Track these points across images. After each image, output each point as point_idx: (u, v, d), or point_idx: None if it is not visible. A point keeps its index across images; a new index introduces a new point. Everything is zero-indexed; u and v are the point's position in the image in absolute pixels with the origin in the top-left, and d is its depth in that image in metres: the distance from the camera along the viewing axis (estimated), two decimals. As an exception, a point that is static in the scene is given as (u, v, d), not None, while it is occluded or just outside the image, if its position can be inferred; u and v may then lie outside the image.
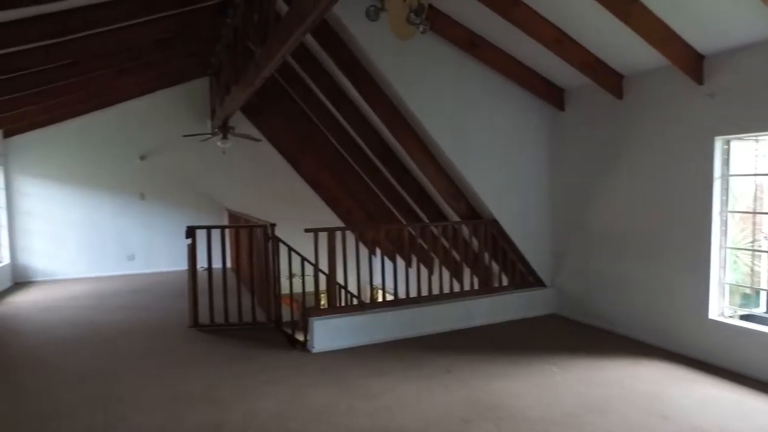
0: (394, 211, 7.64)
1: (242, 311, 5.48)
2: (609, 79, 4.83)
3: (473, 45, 5.08)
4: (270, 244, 5.41)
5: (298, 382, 4.03)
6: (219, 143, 7.22)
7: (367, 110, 5.88)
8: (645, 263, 4.82)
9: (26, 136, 8.29)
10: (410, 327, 5.19)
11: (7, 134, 8.13)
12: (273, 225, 5.44)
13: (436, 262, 6.51)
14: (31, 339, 5.27)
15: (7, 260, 8.04)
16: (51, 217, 8.52)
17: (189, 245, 5.27)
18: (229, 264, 7.02)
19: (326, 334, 4.78)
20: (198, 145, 9.13)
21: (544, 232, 5.96)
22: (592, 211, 5.42)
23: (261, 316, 5.60)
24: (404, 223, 7.35)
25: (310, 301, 6.30)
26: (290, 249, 5.49)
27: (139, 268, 9.03)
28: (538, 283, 6.05)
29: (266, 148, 9.59)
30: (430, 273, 5.96)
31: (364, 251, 8.84)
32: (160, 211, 9.17)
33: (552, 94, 5.58)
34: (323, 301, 6.10)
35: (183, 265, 9.26)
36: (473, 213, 5.95)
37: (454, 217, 6.53)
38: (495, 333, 5.37)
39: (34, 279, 8.38)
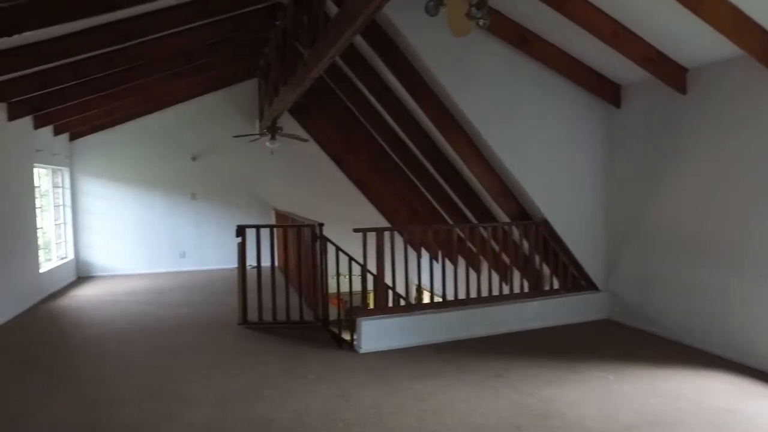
0: (440, 210, 7.55)
1: (290, 310, 5.54)
2: (671, 73, 4.58)
3: (524, 41, 4.94)
4: (318, 244, 5.44)
5: (346, 381, 4.02)
6: (268, 144, 7.36)
7: (414, 108, 5.83)
8: (718, 270, 4.48)
9: (89, 139, 8.71)
10: (458, 329, 5.10)
11: (73, 137, 8.57)
12: (321, 225, 5.48)
13: (484, 263, 6.38)
14: (92, 331, 5.52)
15: (71, 256, 8.47)
16: (109, 216, 8.93)
17: (239, 244, 5.36)
18: (276, 263, 7.17)
19: (374, 334, 4.76)
20: (246, 146, 9.34)
21: (598, 233, 5.72)
22: (653, 213, 5.15)
23: (308, 316, 5.65)
24: (451, 222, 7.25)
25: (356, 301, 6.30)
26: (338, 249, 5.51)
27: (190, 265, 9.33)
28: (591, 286, 5.82)
29: (312, 148, 9.71)
30: (478, 274, 5.84)
31: (409, 251, 8.85)
32: (210, 210, 9.44)
33: (607, 90, 5.35)
34: (370, 302, 6.09)
35: (231, 263, 9.56)
36: (523, 213, 5.78)
37: (503, 217, 6.38)
38: (545, 337, 5.20)
39: (94, 274, 8.80)
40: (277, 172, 9.65)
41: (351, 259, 5.60)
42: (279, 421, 3.36)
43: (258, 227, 5.53)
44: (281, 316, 5.53)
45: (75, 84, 6.10)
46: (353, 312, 4.95)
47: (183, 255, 9.33)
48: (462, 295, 5.26)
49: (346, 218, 7.00)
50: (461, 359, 4.53)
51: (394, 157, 7.10)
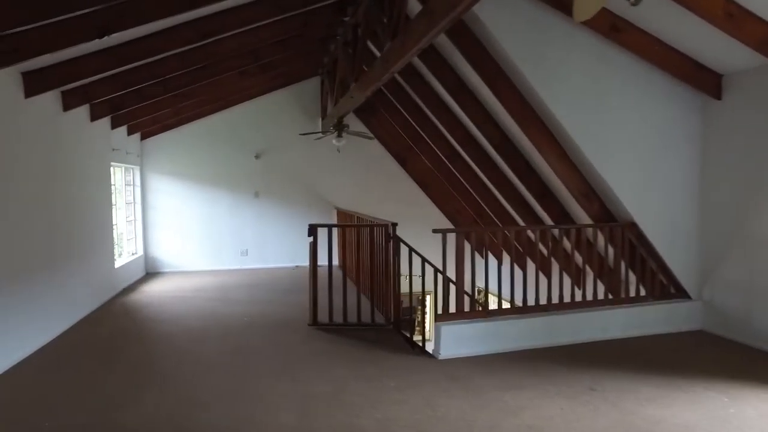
0: (510, 211, 7.23)
1: (360, 311, 5.42)
2: (790, 60, 4.13)
3: (615, 30, 4.58)
4: (391, 244, 5.29)
5: (429, 390, 3.83)
6: (334, 141, 7.28)
7: (491, 104, 5.58)
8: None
9: (158, 138, 8.93)
10: (539, 336, 4.83)
11: (143, 137, 8.81)
12: (394, 225, 5.32)
13: (555, 266, 6.06)
14: (166, 328, 5.58)
15: (140, 252, 8.72)
16: (176, 213, 9.12)
17: (311, 243, 5.27)
18: (337, 262, 7.05)
19: (453, 340, 4.56)
20: (309, 145, 9.34)
21: (691, 237, 5.28)
22: (762, 216, 4.68)
23: (378, 317, 5.51)
24: (523, 224, 6.94)
25: (414, 303, 6.12)
26: (411, 249, 5.33)
27: (252, 263, 9.41)
28: (682, 294, 5.39)
29: (374, 147, 9.59)
30: (549, 279, 5.51)
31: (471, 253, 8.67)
32: (271, 208, 9.49)
33: (707, 81, 4.91)
34: (434, 304, 5.88)
35: (291, 261, 9.63)
36: (607, 215, 5.42)
37: (581, 219, 6.03)
38: (634, 348, 4.83)
39: (161, 270, 9.02)
40: (339, 170, 9.60)
41: (424, 260, 5.40)
42: (363, 431, 3.21)
43: (330, 226, 5.43)
44: (351, 317, 5.42)
45: (152, 84, 6.22)
46: (408, 313, 4.76)
47: (245, 253, 9.42)
48: (535, 301, 4.96)
49: (408, 218, 6.81)
50: (547, 369, 4.25)
51: (464, 155, 6.85)
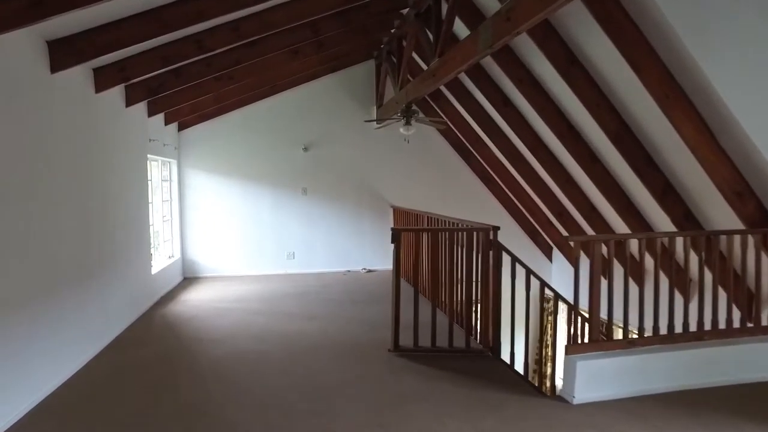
0: (613, 212, 6.09)
1: (453, 335, 4.42)
2: None
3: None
4: (491, 254, 4.27)
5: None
6: (402, 130, 6.28)
7: (613, 81, 4.51)
8: None
9: (196, 129, 8.07)
10: (695, 373, 3.75)
11: (181, 127, 7.97)
12: (496, 228, 4.30)
13: (692, 284, 4.94)
14: (213, 350, 4.66)
15: (178, 255, 7.88)
16: (215, 212, 8.25)
17: (394, 251, 4.27)
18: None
19: (589, 378, 3.53)
20: (363, 136, 8.41)
21: None
22: None
23: (463, 339, 4.51)
24: (629, 231, 5.84)
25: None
26: (514, 259, 4.29)
27: (297, 267, 8.49)
28: None
29: (435, 138, 8.60)
30: (686, 300, 4.40)
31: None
32: (320, 207, 8.54)
33: None
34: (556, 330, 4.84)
35: (342, 266, 8.68)
36: (764, 217, 4.30)
37: (713, 222, 4.92)
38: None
39: (200, 275, 8.17)
40: (395, 164, 8.63)
41: (530, 272, 4.36)
42: None
43: (417, 231, 4.43)
44: (441, 341, 4.42)
45: (195, 62, 5.33)
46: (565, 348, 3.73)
47: (291, 256, 8.51)
48: (664, 327, 3.89)
49: (474, 219, 5.78)
50: (723, 422, 3.19)
51: (562, 145, 5.76)
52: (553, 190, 7.22)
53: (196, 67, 5.47)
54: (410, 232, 4.35)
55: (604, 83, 4.71)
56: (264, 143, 8.33)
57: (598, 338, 3.64)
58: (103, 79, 4.54)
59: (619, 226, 6.30)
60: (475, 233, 4.40)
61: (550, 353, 7.69)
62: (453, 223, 5.23)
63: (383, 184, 8.67)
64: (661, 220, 5.51)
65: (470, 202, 8.65)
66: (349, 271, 8.49)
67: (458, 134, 8.13)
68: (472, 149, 8.17)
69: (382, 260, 8.46)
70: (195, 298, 6.73)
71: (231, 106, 7.94)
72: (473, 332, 4.61)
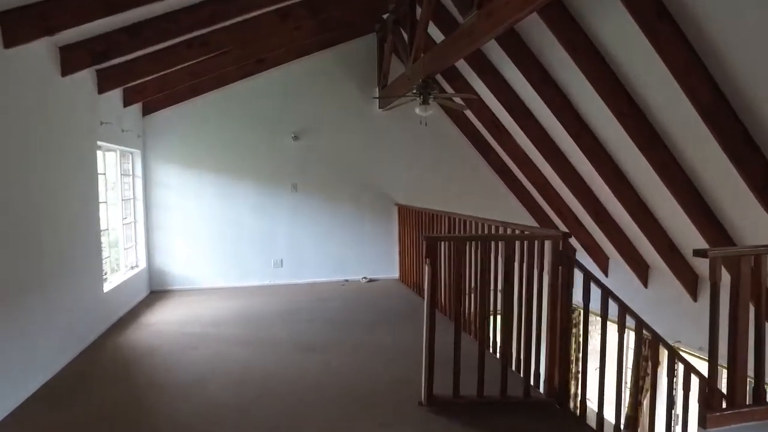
0: (682, 219, 4.97)
1: (507, 380, 3.22)
2: None
3: None
4: (561, 270, 3.09)
5: None
6: (418, 111, 5.08)
7: (716, 41, 3.37)
8: None
9: (165, 113, 6.76)
10: None
11: (147, 110, 6.65)
12: (566, 235, 3.12)
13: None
14: (176, 404, 3.40)
15: (143, 264, 6.56)
16: (189, 212, 6.95)
17: (429, 271, 3.03)
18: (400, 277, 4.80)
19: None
20: (363, 123, 7.26)
21: None
22: None
23: (519, 385, 3.32)
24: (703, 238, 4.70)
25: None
26: (588, 275, 3.12)
27: (286, 277, 7.23)
28: None
29: (447, 128, 7.42)
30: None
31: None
32: (312, 205, 7.29)
33: None
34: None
35: (340, 275, 7.44)
36: None
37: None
38: None
39: (170, 287, 6.86)
40: (400, 157, 7.43)
41: (608, 294, 3.18)
42: None
43: (463, 240, 3.22)
44: (492, 389, 3.22)
45: (154, 17, 4.07)
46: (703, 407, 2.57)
47: (279, 264, 7.24)
48: None
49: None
50: None
51: (617, 128, 4.61)
52: (594, 187, 6.08)
53: (158, 23, 4.20)
54: (450, 241, 3.16)
55: (700, 41, 3.55)
56: (247, 131, 7.05)
57: (744, 403, 2.48)
58: (15, 29, 3.23)
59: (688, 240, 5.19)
60: (537, 242, 3.21)
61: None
62: (493, 228, 4.03)
63: (386, 179, 7.45)
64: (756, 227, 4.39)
65: (488, 201, 7.47)
66: (347, 281, 7.26)
67: (477, 121, 6.94)
68: (492, 138, 6.98)
69: (385, 268, 7.27)
70: (161, 321, 5.43)
71: (208, 84, 6.64)
72: (532, 375, 3.42)
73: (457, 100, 5.71)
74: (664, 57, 3.64)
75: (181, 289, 6.84)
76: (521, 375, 3.40)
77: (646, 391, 6.58)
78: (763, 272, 2.29)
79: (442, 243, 3.31)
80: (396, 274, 7.30)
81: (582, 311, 3.11)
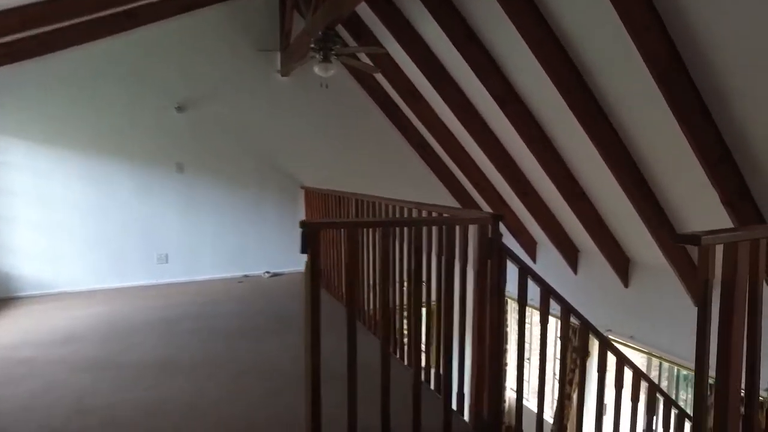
0: (598, 188, 4.45)
1: (422, 405, 2.43)
2: None
3: None
4: (491, 263, 2.34)
5: None
6: (317, 70, 4.16)
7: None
8: None
9: (9, 72, 5.34)
10: None
11: (-23, 68, 5.22)
12: (497, 218, 2.36)
13: None
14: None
15: (-25, 266, 5.19)
16: (46, 198, 5.61)
17: (307, 263, 2.14)
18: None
19: None
20: (263, 92, 6.20)
21: None
22: None
23: (437, 410, 2.56)
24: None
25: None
26: (525, 270, 2.40)
27: (173, 275, 6.10)
28: None
29: (359, 99, 6.54)
30: None
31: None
32: (204, 189, 6.19)
33: None
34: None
35: (235, 271, 6.41)
36: None
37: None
38: None
39: (20, 293, 5.51)
40: (307, 132, 6.46)
41: (549, 293, 2.47)
42: None
43: (361, 225, 2.36)
44: (399, 414, 2.42)
45: None
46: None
47: (164, 259, 6.08)
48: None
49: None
50: None
51: (555, 97, 3.95)
52: (522, 164, 5.48)
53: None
54: (338, 228, 2.35)
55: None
56: (119, 99, 5.78)
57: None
58: None
59: (622, 222, 4.68)
60: (458, 227, 2.42)
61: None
62: (405, 211, 3.21)
63: (291, 157, 6.48)
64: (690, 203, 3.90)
65: (406, 181, 6.75)
66: (246, 276, 6.25)
67: (391, 89, 6.11)
68: (409, 109, 6.19)
69: (291, 260, 6.31)
70: (-10, 341, 4.17)
71: (64, 38, 5.31)
72: (455, 398, 2.67)
73: (364, 57, 4.83)
74: (620, 9, 2.96)
75: (33, 295, 5.51)
76: (440, 395, 2.64)
77: (576, 384, 6.19)
78: (761, 262, 1.64)
79: (331, 231, 2.46)
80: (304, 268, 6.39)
81: (518, 306, 2.41)
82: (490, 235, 2.31)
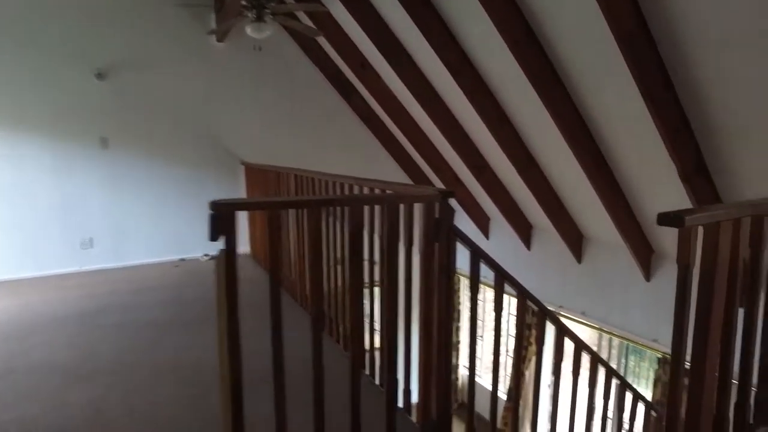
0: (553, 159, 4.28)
1: (361, 402, 2.15)
2: None
3: None
4: (437, 248, 2.06)
5: None
6: (249, 31, 3.71)
7: None
8: None
9: None
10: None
11: None
12: (447, 195, 2.07)
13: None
14: None
15: None
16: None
17: (220, 253, 1.76)
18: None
19: None
20: (198, 58, 5.63)
21: None
22: None
23: (380, 408, 2.30)
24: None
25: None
26: (477, 253, 2.14)
27: (99, 260, 5.55)
28: None
29: (303, 67, 6.07)
30: None
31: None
32: (134, 166, 5.62)
33: None
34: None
35: (170, 254, 5.92)
36: None
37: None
38: None
39: None
40: (248, 102, 5.95)
41: (504, 278, 2.22)
42: None
43: (284, 206, 2.00)
44: (338, 419, 2.14)
45: None
46: None
47: (88, 243, 5.52)
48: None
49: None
50: None
51: (510, 62, 3.66)
52: (475, 136, 5.23)
53: None
54: (256, 209, 2.01)
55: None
56: (30, 65, 5.10)
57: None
58: None
59: (577, 197, 4.52)
60: (402, 206, 2.12)
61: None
62: (346, 187, 2.87)
63: (231, 131, 5.99)
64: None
65: (356, 156, 6.39)
66: (183, 260, 5.79)
67: (339, 59, 5.67)
68: (358, 80, 5.80)
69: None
70: None
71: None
72: (401, 395, 2.41)
73: (303, 17, 4.40)
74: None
75: (-67, 286, 4.87)
76: (383, 388, 2.37)
77: (529, 360, 6.15)
78: (742, 242, 1.42)
79: (253, 213, 2.10)
80: (246, 248, 5.97)
81: (470, 291, 2.16)
82: (437, 215, 2.02)
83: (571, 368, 2.84)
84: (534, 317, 2.88)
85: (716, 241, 1.35)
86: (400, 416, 2.28)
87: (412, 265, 2.19)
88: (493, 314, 2.32)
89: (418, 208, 2.10)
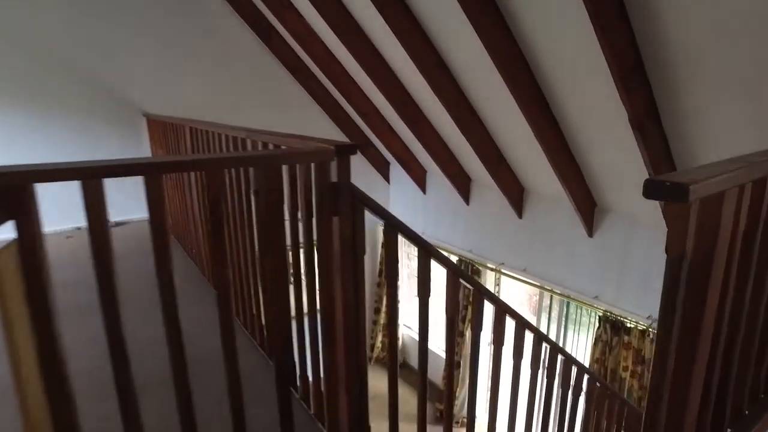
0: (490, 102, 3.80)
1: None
2: None
3: None
4: (337, 220, 1.57)
5: None
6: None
7: None
8: None
9: None
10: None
11: None
12: (348, 150, 1.56)
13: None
14: None
15: None
16: None
17: (9, 245, 1.19)
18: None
19: None
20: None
21: None
22: None
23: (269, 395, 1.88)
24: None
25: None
26: (392, 225, 1.68)
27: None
28: None
29: (215, 5, 5.23)
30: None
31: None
32: (15, 120, 4.73)
33: None
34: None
35: (63, 223, 5.05)
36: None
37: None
38: None
39: None
40: (151, 43, 5.07)
41: (429, 255, 1.79)
42: None
43: (78, 173, 1.41)
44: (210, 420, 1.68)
45: None
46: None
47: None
48: None
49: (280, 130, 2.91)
50: None
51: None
52: (407, 82, 4.69)
53: None
54: (52, 179, 1.49)
55: None
56: None
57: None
58: None
59: (518, 148, 4.12)
60: (286, 167, 1.60)
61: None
62: (239, 142, 2.29)
63: (131, 79, 5.13)
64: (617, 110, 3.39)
65: (283, 109, 5.73)
66: (79, 229, 5.03)
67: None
68: (275, 17, 5.04)
69: (139, 205, 5.14)
70: None
71: None
72: (299, 384, 1.98)
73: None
74: None
75: None
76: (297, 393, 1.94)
77: (468, 321, 5.94)
78: (741, 213, 1.02)
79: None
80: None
81: (385, 259, 1.70)
82: (335, 179, 1.52)
83: (491, 338, 2.47)
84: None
85: (718, 216, 0.93)
86: (311, 424, 1.86)
87: (331, 231, 1.68)
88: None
89: (312, 168, 1.58)
